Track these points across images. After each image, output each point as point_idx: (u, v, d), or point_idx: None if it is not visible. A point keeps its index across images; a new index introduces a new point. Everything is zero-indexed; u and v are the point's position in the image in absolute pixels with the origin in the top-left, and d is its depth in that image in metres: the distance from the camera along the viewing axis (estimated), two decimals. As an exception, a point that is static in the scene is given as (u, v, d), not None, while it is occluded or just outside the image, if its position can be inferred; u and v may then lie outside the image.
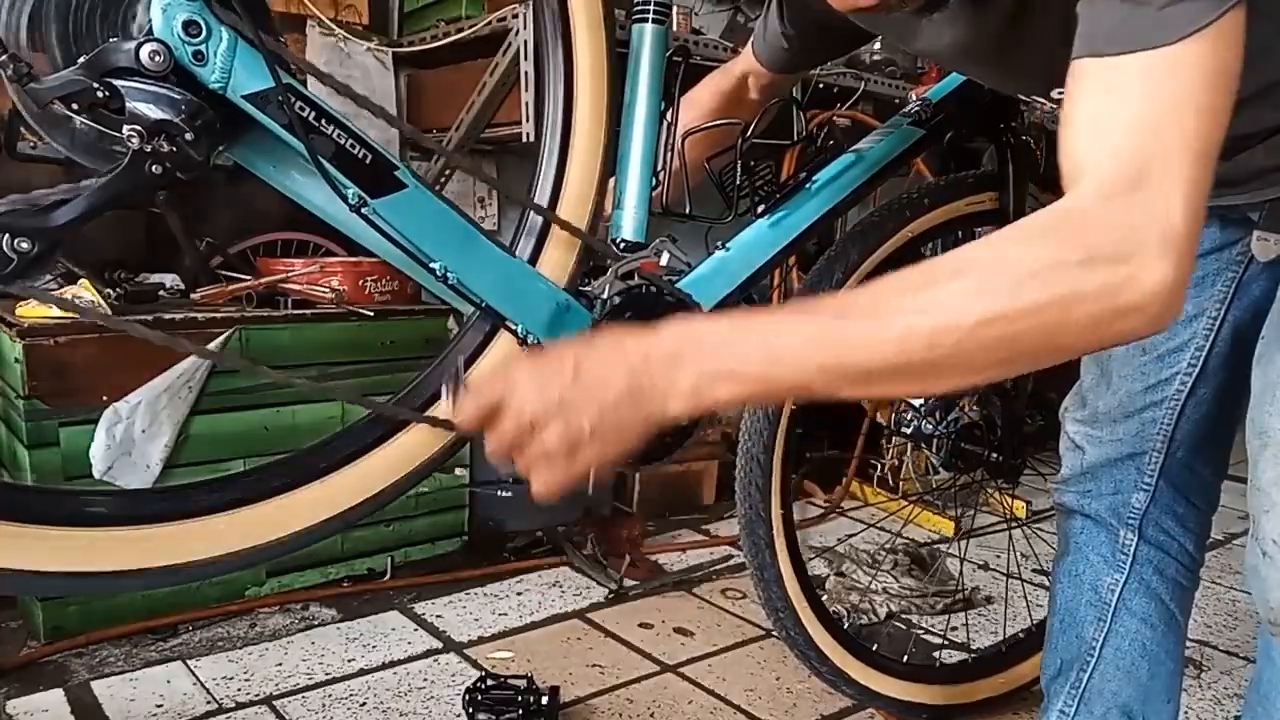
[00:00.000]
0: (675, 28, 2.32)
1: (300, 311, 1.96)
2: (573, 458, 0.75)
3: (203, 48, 0.76)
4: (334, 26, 2.31)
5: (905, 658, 1.67)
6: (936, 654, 1.87)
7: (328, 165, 0.83)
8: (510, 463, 0.77)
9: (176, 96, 0.75)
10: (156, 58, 0.74)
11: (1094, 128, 0.70)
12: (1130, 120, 0.68)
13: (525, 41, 1.99)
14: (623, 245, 1.12)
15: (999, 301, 0.67)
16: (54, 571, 0.77)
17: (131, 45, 0.74)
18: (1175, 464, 1.20)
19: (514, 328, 0.99)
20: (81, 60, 0.75)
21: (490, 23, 2.12)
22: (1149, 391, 1.18)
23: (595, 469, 0.77)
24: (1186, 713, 1.72)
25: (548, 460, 0.75)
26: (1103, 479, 1.24)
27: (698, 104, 1.34)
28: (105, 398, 1.70)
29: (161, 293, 1.95)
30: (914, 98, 1.39)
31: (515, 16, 2.04)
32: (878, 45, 2.70)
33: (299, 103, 0.81)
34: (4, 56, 0.73)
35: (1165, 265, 0.66)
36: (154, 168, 0.77)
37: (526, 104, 2.05)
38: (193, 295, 1.97)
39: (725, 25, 2.82)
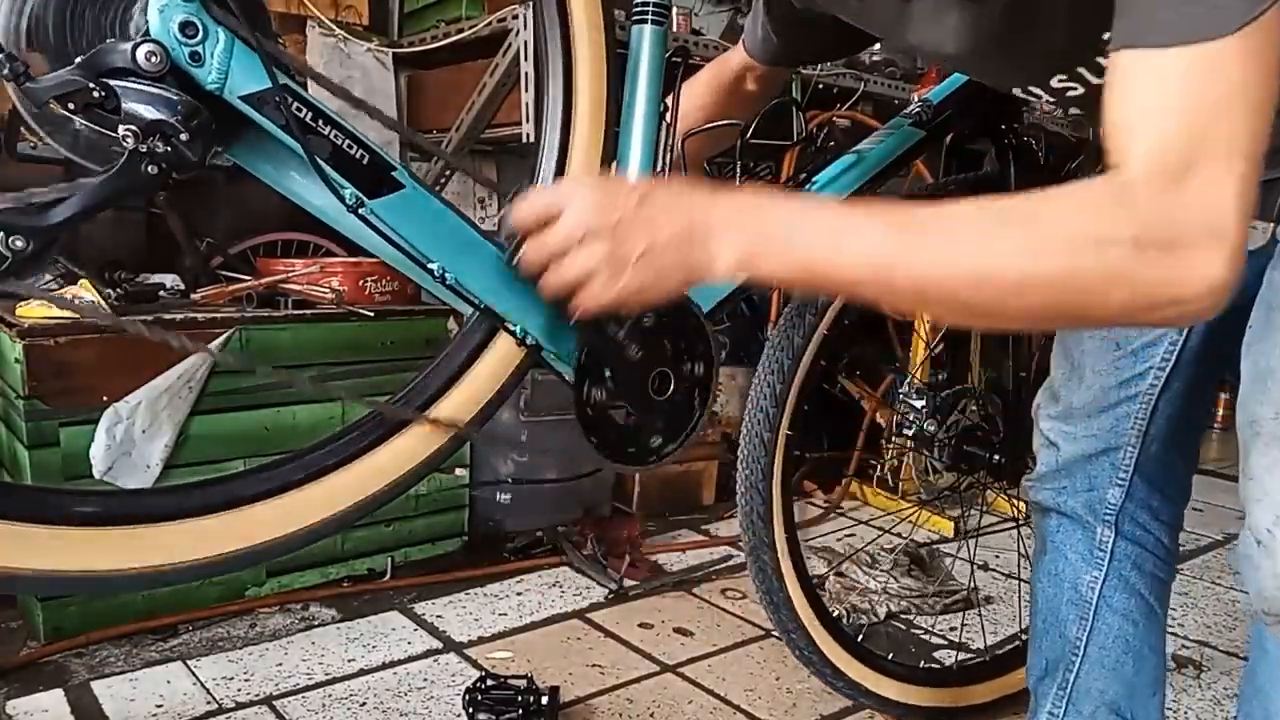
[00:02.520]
0: (675, 28, 2.33)
1: (300, 312, 1.96)
2: (610, 281, 0.76)
3: (199, 49, 0.76)
4: (334, 27, 2.31)
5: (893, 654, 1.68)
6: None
7: (325, 166, 0.82)
8: (537, 273, 0.79)
9: (172, 97, 0.75)
10: (153, 59, 0.74)
11: (1144, 115, 0.70)
12: (1181, 110, 0.68)
13: (525, 42, 1.99)
14: None
15: (1050, 265, 0.70)
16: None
17: (128, 46, 0.74)
18: (1149, 458, 1.19)
19: (512, 329, 0.99)
20: (78, 60, 0.74)
21: (490, 23, 2.13)
22: (1123, 386, 1.17)
23: (623, 303, 0.78)
24: (1186, 713, 1.72)
25: (584, 278, 0.77)
26: (1077, 475, 1.23)
27: (695, 95, 1.32)
28: (105, 398, 1.70)
29: (161, 293, 1.96)
30: (916, 98, 1.38)
31: (515, 17, 2.04)
32: (877, 46, 2.70)
33: (296, 104, 0.80)
34: (1, 56, 0.72)
35: (1217, 262, 0.67)
36: (149, 168, 0.76)
37: (526, 104, 2.05)
38: (193, 295, 1.97)
39: (725, 25, 2.82)
